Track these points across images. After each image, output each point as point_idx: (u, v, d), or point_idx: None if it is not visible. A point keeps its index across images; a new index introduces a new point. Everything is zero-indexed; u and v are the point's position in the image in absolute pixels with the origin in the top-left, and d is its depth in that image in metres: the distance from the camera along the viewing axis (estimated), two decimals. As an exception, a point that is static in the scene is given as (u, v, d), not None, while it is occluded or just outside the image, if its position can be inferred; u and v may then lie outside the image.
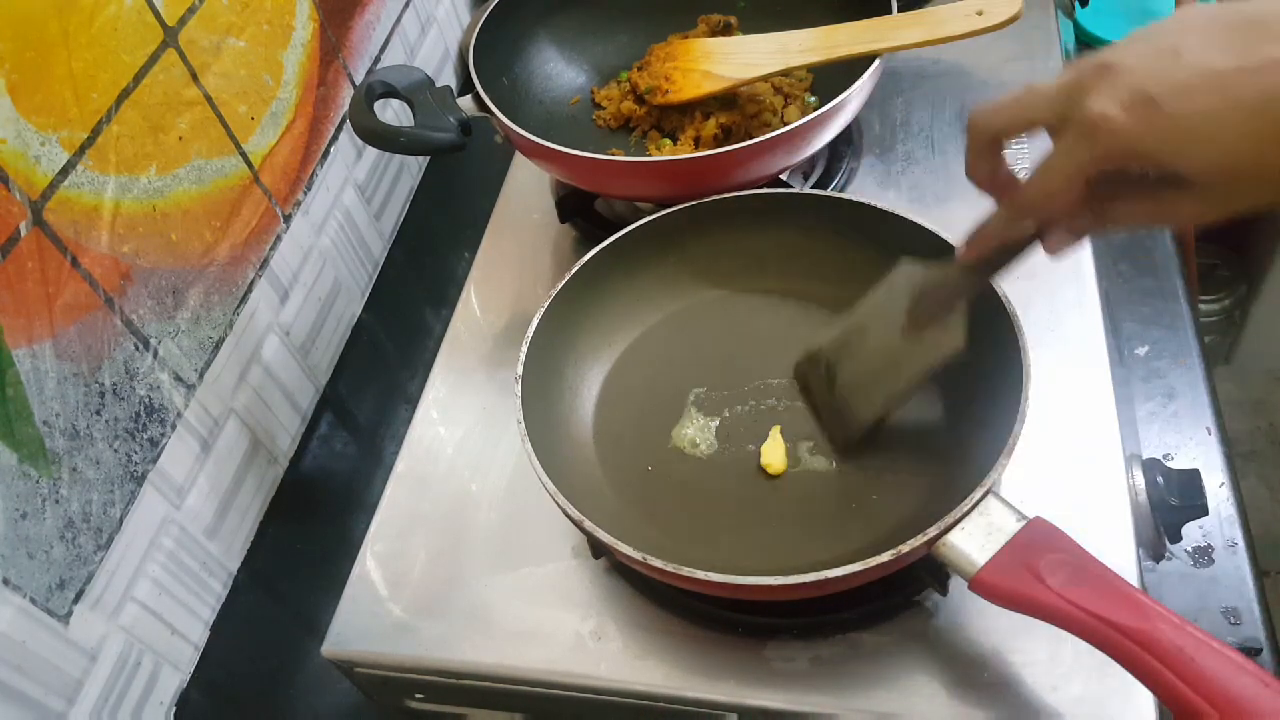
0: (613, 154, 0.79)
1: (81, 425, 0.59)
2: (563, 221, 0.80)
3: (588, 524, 0.52)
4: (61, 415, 0.57)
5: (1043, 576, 0.46)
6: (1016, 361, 0.53)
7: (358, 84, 0.88)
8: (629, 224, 0.67)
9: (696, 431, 0.64)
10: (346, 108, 0.86)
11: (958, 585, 0.50)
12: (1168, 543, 0.61)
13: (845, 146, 0.81)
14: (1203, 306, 1.48)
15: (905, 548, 0.47)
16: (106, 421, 0.61)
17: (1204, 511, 0.60)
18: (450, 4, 1.06)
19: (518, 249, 0.81)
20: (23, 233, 0.54)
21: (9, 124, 0.53)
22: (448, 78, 1.07)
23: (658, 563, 0.50)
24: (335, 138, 0.86)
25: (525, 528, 0.62)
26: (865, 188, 0.78)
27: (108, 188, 0.60)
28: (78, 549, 0.59)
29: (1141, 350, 0.73)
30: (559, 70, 0.87)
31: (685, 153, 0.77)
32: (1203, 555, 0.62)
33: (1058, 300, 0.67)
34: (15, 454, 0.54)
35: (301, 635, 0.69)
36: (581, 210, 0.80)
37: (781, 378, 0.65)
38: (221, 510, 0.72)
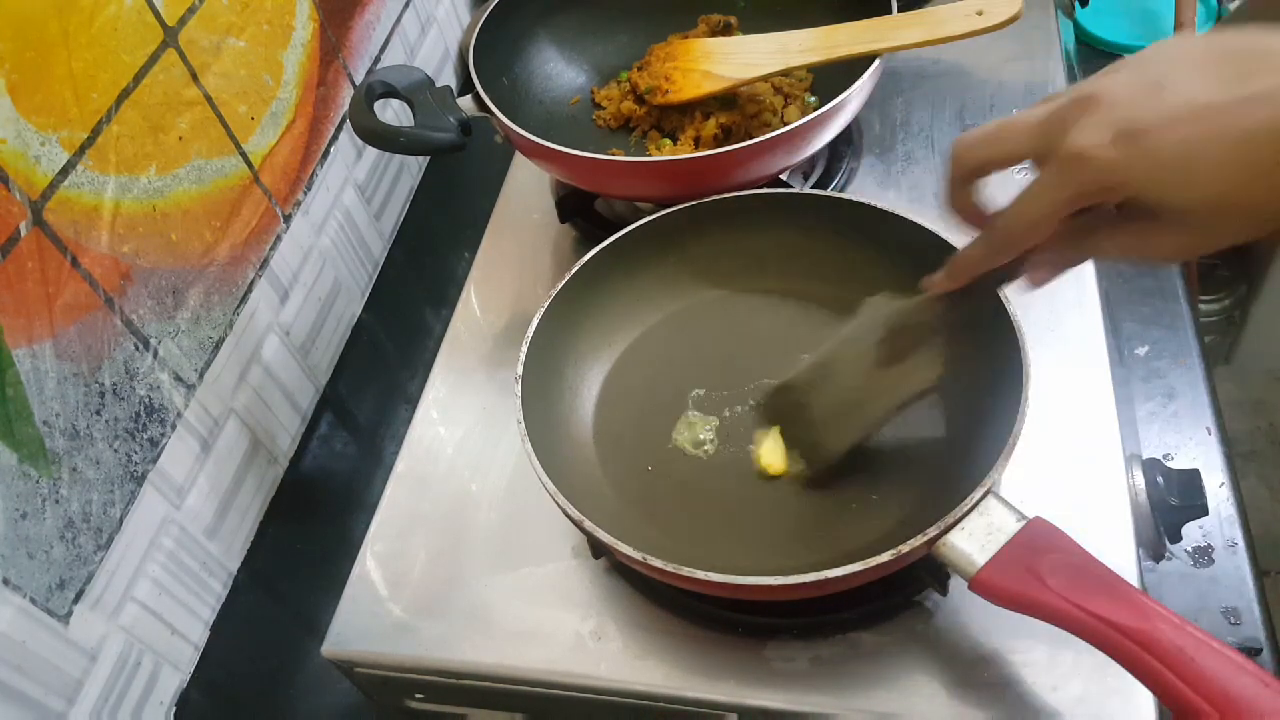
0: (613, 154, 0.79)
1: (81, 425, 0.59)
2: (563, 221, 0.80)
3: (588, 524, 0.52)
4: (61, 415, 0.57)
5: (1043, 576, 0.46)
6: (1016, 361, 0.53)
7: (358, 84, 0.88)
8: (629, 224, 0.67)
9: (696, 431, 0.64)
10: (346, 108, 0.86)
11: (958, 585, 0.50)
12: (1168, 543, 0.61)
13: (845, 146, 0.81)
14: (1203, 306, 1.48)
15: (905, 548, 0.47)
16: (106, 421, 0.61)
17: (1204, 511, 0.60)
18: (450, 4, 1.06)
19: (518, 249, 0.81)
20: (23, 233, 0.54)
21: (9, 124, 0.53)
22: (448, 78, 1.07)
23: (658, 563, 0.50)
24: (335, 138, 0.86)
25: (525, 528, 0.62)
26: (865, 188, 0.78)
27: (108, 188, 0.60)
28: (78, 549, 0.59)
29: (1141, 350, 0.73)
30: (559, 70, 0.87)
31: (685, 153, 0.77)
32: (1203, 555, 0.62)
33: (1058, 300, 0.67)
34: (15, 454, 0.54)
35: (301, 635, 0.69)
36: (581, 210, 0.80)
37: (782, 378, 0.65)
38: (221, 510, 0.72)
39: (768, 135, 0.66)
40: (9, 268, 0.53)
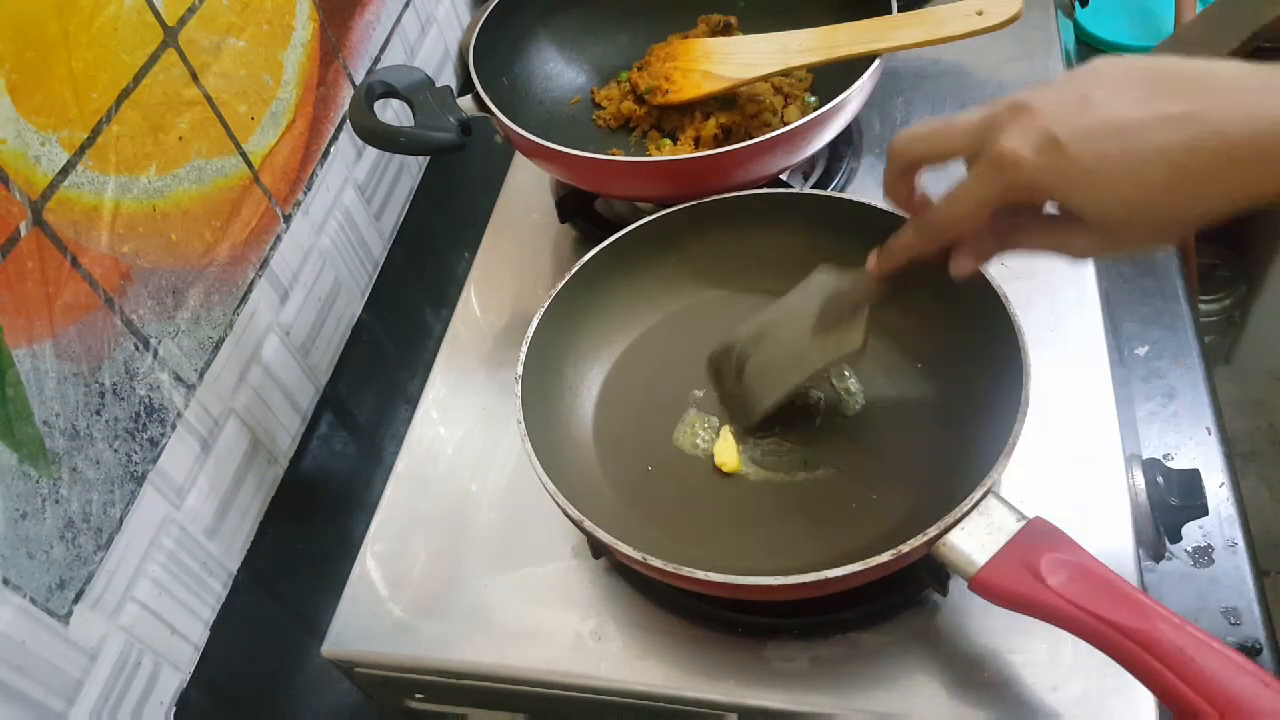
0: (613, 154, 0.79)
1: (81, 425, 0.59)
2: (563, 221, 0.80)
3: (588, 524, 0.52)
4: (61, 415, 0.57)
5: (1043, 576, 0.46)
6: (1016, 361, 0.53)
7: (358, 84, 0.88)
8: (629, 224, 0.67)
9: (697, 431, 0.64)
10: (346, 108, 0.86)
11: (958, 585, 0.50)
12: (1168, 543, 0.61)
13: (845, 146, 0.81)
14: (1203, 306, 1.48)
15: (905, 548, 0.47)
16: (106, 421, 0.61)
17: (1204, 511, 0.60)
18: (450, 4, 1.06)
19: (518, 249, 0.81)
20: (23, 233, 0.54)
21: (9, 124, 0.53)
22: (448, 78, 1.07)
23: (658, 563, 0.50)
24: (335, 138, 0.86)
25: (525, 528, 0.62)
26: (865, 188, 0.78)
27: (108, 188, 0.60)
28: (78, 549, 0.59)
29: (1141, 350, 0.73)
30: (559, 70, 0.87)
31: (685, 153, 0.77)
32: (1203, 555, 0.62)
33: (1058, 300, 0.67)
34: (15, 454, 0.54)
35: (301, 635, 0.69)
36: (581, 210, 0.80)
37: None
38: (221, 510, 0.72)
39: (768, 135, 0.66)
40: (9, 268, 0.53)
